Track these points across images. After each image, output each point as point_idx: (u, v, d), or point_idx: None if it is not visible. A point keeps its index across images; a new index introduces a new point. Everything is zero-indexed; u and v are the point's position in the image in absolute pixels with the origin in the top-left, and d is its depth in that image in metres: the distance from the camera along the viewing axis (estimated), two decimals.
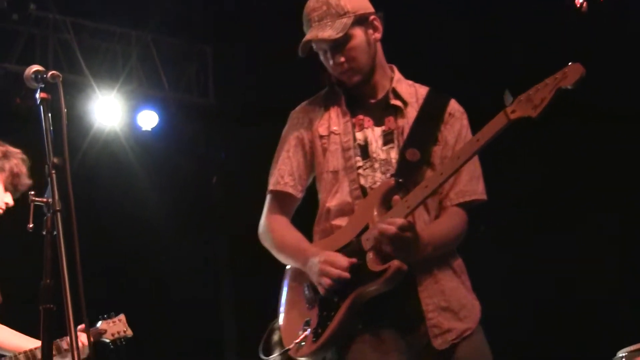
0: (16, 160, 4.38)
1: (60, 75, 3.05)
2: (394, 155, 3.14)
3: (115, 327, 4.69)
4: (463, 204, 3.16)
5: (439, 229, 3.11)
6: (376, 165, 3.15)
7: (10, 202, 4.34)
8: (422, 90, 3.28)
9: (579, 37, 6.67)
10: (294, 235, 3.26)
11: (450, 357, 3.05)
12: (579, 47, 6.63)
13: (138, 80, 8.54)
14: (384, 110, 3.22)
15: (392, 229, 2.89)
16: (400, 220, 2.90)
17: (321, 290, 3.03)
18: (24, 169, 4.39)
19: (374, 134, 3.19)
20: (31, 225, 2.91)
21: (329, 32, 3.11)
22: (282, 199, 3.32)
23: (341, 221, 3.15)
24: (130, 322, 4.65)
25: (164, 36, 8.78)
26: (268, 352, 3.26)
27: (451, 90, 3.36)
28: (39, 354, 4.44)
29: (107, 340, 4.66)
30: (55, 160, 2.90)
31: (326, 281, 2.98)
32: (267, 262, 9.07)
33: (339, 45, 3.14)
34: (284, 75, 8.37)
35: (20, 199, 4.30)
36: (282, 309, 3.29)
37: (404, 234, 2.89)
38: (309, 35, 3.15)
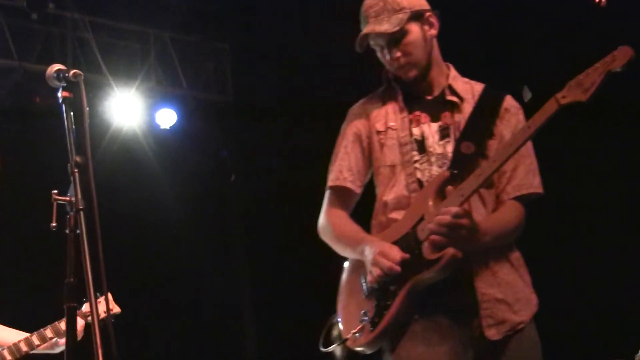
0: None
1: (82, 74, 3.06)
2: (450, 149, 3.18)
3: (100, 306, 4.71)
4: (520, 198, 3.19)
5: (497, 219, 3.16)
6: (432, 159, 3.19)
7: None
8: (478, 87, 3.32)
9: (599, 32, 6.65)
10: (352, 227, 3.32)
11: (502, 350, 3.09)
12: (599, 43, 6.60)
13: (156, 79, 8.55)
14: (440, 106, 3.27)
15: (446, 217, 2.95)
16: (454, 208, 2.96)
17: (370, 279, 3.09)
18: None
19: (430, 129, 3.23)
20: (54, 224, 2.92)
21: (386, 26, 3.17)
22: (341, 194, 3.38)
23: (397, 214, 3.19)
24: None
25: (182, 34, 8.79)
26: (328, 346, 3.35)
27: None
28: (23, 347, 4.50)
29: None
30: (78, 158, 2.90)
31: (377, 271, 3.04)
32: (286, 260, 9.11)
33: (395, 40, 3.20)
34: (302, 72, 8.39)
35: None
36: (340, 302, 3.34)
37: (459, 221, 2.94)
38: (366, 29, 3.22)
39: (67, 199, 2.89)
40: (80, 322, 4.24)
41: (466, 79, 3.36)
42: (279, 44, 8.34)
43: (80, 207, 2.84)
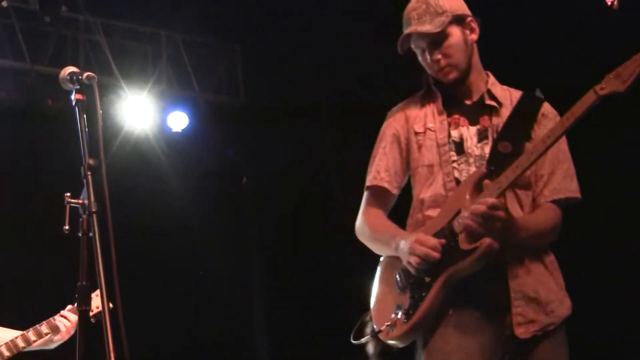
0: None
1: (95, 76, 3.06)
2: (488, 151, 3.22)
3: (93, 302, 4.73)
4: (557, 201, 3.23)
5: (534, 218, 3.19)
6: (471, 160, 3.23)
7: None
8: (516, 94, 3.36)
9: (611, 36, 6.62)
10: (388, 224, 3.38)
11: (531, 350, 3.11)
12: (613, 47, 6.58)
13: (168, 81, 8.56)
14: (479, 110, 3.32)
15: (482, 207, 2.98)
16: (491, 200, 2.99)
17: (410, 269, 3.12)
18: None
19: (469, 132, 3.28)
20: (67, 227, 2.91)
21: (428, 27, 3.23)
22: (378, 195, 3.43)
23: (434, 212, 3.23)
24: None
25: (194, 36, 8.79)
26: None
27: None
28: (20, 343, 4.54)
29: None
30: (91, 161, 2.90)
31: (415, 259, 3.08)
32: (298, 261, 9.08)
33: (437, 42, 3.26)
34: (314, 74, 8.37)
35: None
36: (373, 299, 3.38)
37: (495, 212, 2.97)
38: (408, 30, 3.27)
39: (80, 201, 2.89)
40: (73, 318, 4.41)
41: (505, 87, 3.40)
42: (290, 46, 8.33)
43: (93, 210, 2.84)
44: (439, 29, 3.22)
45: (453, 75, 3.28)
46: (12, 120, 7.71)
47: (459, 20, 3.29)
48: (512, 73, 3.55)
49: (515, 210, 3.16)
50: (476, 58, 3.36)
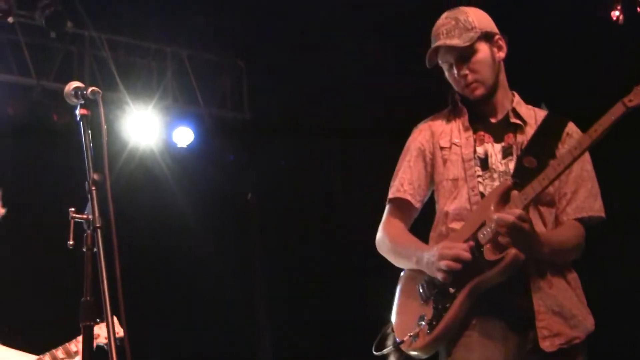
0: None
1: (100, 91, 3.06)
2: (512, 167, 3.23)
3: (102, 331, 4.71)
4: (581, 220, 3.23)
5: (557, 234, 3.20)
6: (495, 175, 3.25)
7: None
8: (541, 113, 3.38)
9: (616, 49, 6.62)
10: (409, 237, 3.39)
11: None
12: (617, 60, 6.58)
13: (173, 97, 8.57)
14: (504, 128, 3.33)
15: (509, 217, 2.97)
16: (518, 210, 2.99)
17: (440, 275, 3.11)
18: None
19: (493, 149, 3.30)
20: (71, 242, 2.90)
21: (457, 40, 3.26)
22: (400, 207, 3.45)
23: (457, 225, 3.24)
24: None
25: (199, 52, 8.81)
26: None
27: None
28: None
29: (102, 344, 4.69)
30: (95, 176, 2.89)
31: (445, 263, 3.08)
32: (303, 276, 9.05)
33: (465, 57, 3.28)
34: (318, 90, 8.38)
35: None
36: (394, 312, 3.38)
37: (521, 224, 2.96)
38: (437, 43, 3.29)
39: (85, 216, 2.88)
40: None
41: (529, 106, 3.42)
42: (294, 61, 8.34)
43: (98, 225, 2.83)
44: (467, 44, 3.24)
45: (480, 92, 3.30)
46: (17, 135, 7.72)
47: (487, 37, 3.31)
48: (518, 87, 3.55)
49: (539, 227, 3.15)
50: (503, 76, 3.38)
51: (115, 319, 4.62)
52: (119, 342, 4.65)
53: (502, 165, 3.24)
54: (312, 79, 8.35)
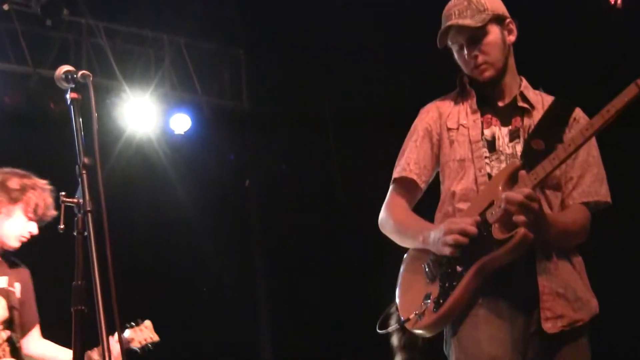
0: (39, 191, 4.36)
1: (91, 74, 3.03)
2: (519, 149, 3.22)
3: (142, 334, 4.69)
4: (586, 204, 3.23)
5: (564, 216, 3.19)
6: (502, 157, 3.24)
7: (35, 231, 4.37)
8: (548, 99, 3.38)
9: (615, 35, 6.59)
10: (414, 217, 3.38)
11: (556, 348, 3.11)
12: (616, 46, 6.55)
13: (171, 84, 8.56)
14: (511, 112, 3.33)
15: (519, 196, 2.96)
16: (527, 190, 2.98)
17: (447, 251, 3.10)
18: (48, 200, 4.39)
19: (501, 132, 3.29)
20: (62, 226, 2.89)
21: (469, 21, 3.25)
22: (405, 187, 3.43)
23: (464, 205, 3.23)
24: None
25: (197, 40, 8.79)
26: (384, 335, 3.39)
27: None
28: None
29: (136, 348, 4.67)
30: (86, 160, 2.88)
31: (452, 237, 3.07)
32: (303, 265, 9.05)
33: (476, 38, 3.28)
34: (317, 79, 8.36)
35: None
36: (398, 291, 3.36)
37: (530, 203, 2.96)
38: (448, 22, 3.28)
39: (75, 200, 2.86)
40: (116, 348, 4.00)
41: (537, 91, 3.41)
42: (294, 50, 8.32)
43: (88, 209, 2.82)
44: (479, 24, 3.24)
45: (489, 74, 3.29)
46: (14, 123, 7.72)
47: (499, 20, 3.31)
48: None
49: (545, 210, 3.14)
50: (512, 60, 3.37)
51: (149, 323, 4.65)
52: (152, 346, 4.68)
53: (510, 148, 3.24)
54: (312, 68, 8.33)
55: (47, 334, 4.63)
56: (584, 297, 3.18)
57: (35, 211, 4.34)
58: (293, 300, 8.93)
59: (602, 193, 3.25)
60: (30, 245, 4.49)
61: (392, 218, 3.40)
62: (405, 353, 4.99)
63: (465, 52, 3.30)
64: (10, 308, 4.26)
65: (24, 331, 4.38)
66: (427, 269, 3.23)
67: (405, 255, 3.42)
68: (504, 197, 3.00)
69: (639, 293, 6.51)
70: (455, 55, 3.37)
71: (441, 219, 3.30)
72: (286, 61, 8.50)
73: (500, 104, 3.35)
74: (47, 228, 4.40)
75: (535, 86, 3.43)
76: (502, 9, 3.35)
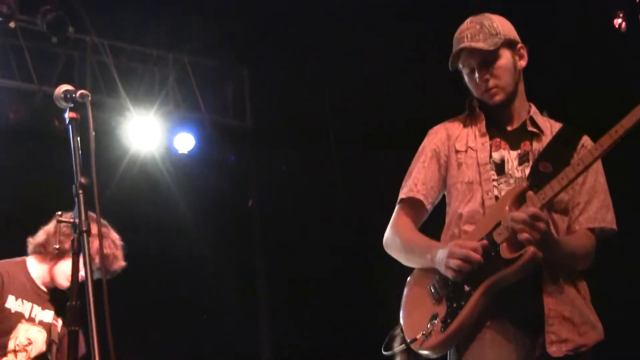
0: (108, 241, 4.28)
1: (89, 94, 3.04)
2: (528, 173, 3.22)
3: None
4: (592, 230, 3.23)
5: (570, 240, 3.19)
6: (511, 181, 3.24)
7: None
8: (556, 125, 3.39)
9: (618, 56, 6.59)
10: (421, 236, 3.37)
11: None
12: (620, 67, 6.55)
13: (175, 103, 8.56)
14: (520, 135, 3.34)
15: (523, 215, 2.97)
16: (534, 209, 2.99)
17: (450, 273, 3.09)
18: (116, 252, 4.33)
19: (510, 156, 3.30)
20: (57, 247, 2.88)
21: (482, 44, 3.26)
22: (412, 207, 3.43)
23: (470, 228, 3.23)
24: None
25: (201, 58, 8.80)
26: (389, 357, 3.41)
27: None
28: None
29: None
30: (83, 180, 2.87)
31: (455, 262, 3.06)
32: (303, 282, 9.02)
33: (488, 62, 3.29)
34: (320, 97, 8.37)
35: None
36: (403, 313, 3.35)
37: (537, 223, 2.96)
38: (462, 45, 3.29)
39: (71, 220, 2.85)
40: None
41: (545, 117, 3.42)
42: (297, 68, 8.33)
43: (84, 229, 2.80)
44: (492, 48, 3.25)
45: (499, 98, 3.30)
46: (19, 140, 7.72)
47: (510, 44, 3.32)
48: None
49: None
50: (522, 85, 3.39)
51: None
52: None
53: (519, 171, 3.24)
54: (315, 87, 8.34)
55: None
56: (589, 322, 3.16)
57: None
58: (294, 309, 8.90)
59: (608, 220, 3.25)
60: None
61: (399, 237, 3.39)
62: None
63: (477, 75, 3.30)
64: (50, 342, 4.24)
65: None
66: (432, 290, 3.22)
67: (409, 278, 3.40)
68: (509, 217, 3.01)
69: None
70: (466, 79, 3.38)
71: (448, 241, 3.28)
72: (289, 79, 8.51)
73: (509, 128, 3.36)
74: None
75: (540, 111, 3.43)
76: (513, 34, 3.37)
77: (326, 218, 8.88)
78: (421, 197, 3.38)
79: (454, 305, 3.12)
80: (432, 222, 3.50)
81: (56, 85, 7.85)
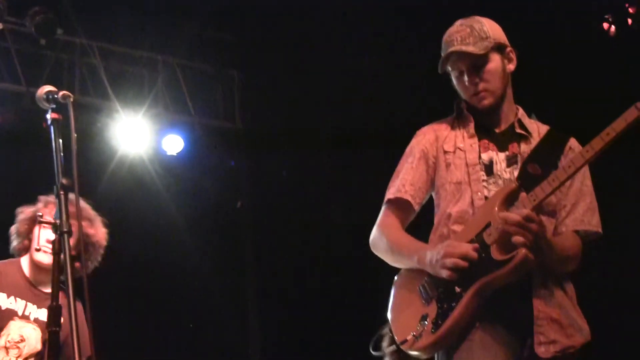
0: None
1: (72, 95, 3.04)
2: (517, 174, 3.22)
3: None
4: (578, 232, 3.24)
5: (560, 241, 3.19)
6: (500, 182, 3.25)
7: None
8: (543, 127, 3.40)
9: (607, 60, 6.60)
10: (408, 237, 3.36)
11: None
12: (608, 71, 6.56)
13: (164, 105, 8.55)
14: (508, 138, 3.35)
15: (517, 216, 2.97)
16: (526, 211, 2.99)
17: (445, 274, 3.07)
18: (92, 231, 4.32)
19: (498, 157, 3.31)
20: (39, 247, 2.87)
21: (472, 48, 3.27)
22: (399, 208, 3.42)
23: (459, 228, 3.23)
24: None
25: (190, 61, 8.79)
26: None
27: None
28: None
29: None
30: (64, 181, 2.86)
31: (451, 261, 3.06)
32: (295, 285, 9.03)
33: (477, 65, 3.30)
34: (310, 100, 8.37)
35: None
36: (392, 313, 3.34)
37: (529, 224, 2.96)
38: (452, 48, 3.29)
39: (52, 221, 2.84)
40: None
41: (532, 120, 3.43)
42: (287, 71, 8.34)
43: (65, 229, 2.79)
44: (483, 52, 3.26)
45: (488, 101, 3.31)
46: (7, 143, 7.69)
47: (500, 48, 3.34)
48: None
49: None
50: (510, 89, 3.40)
51: None
52: None
53: (507, 173, 3.25)
54: (305, 89, 8.34)
55: None
56: (576, 324, 3.18)
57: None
58: (284, 312, 8.90)
59: (593, 223, 3.26)
60: None
61: (385, 237, 3.38)
62: None
63: (466, 78, 3.31)
64: (45, 341, 4.17)
65: None
66: (422, 290, 3.22)
67: (396, 277, 3.40)
68: (502, 218, 3.01)
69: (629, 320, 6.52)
70: (455, 81, 3.39)
71: (436, 241, 3.29)
72: (280, 82, 8.51)
73: (497, 130, 3.37)
74: None
75: (528, 114, 3.44)
76: (503, 38, 3.38)
77: (316, 219, 8.88)
78: (409, 198, 3.37)
79: (445, 306, 3.11)
80: (418, 223, 3.49)
81: None
